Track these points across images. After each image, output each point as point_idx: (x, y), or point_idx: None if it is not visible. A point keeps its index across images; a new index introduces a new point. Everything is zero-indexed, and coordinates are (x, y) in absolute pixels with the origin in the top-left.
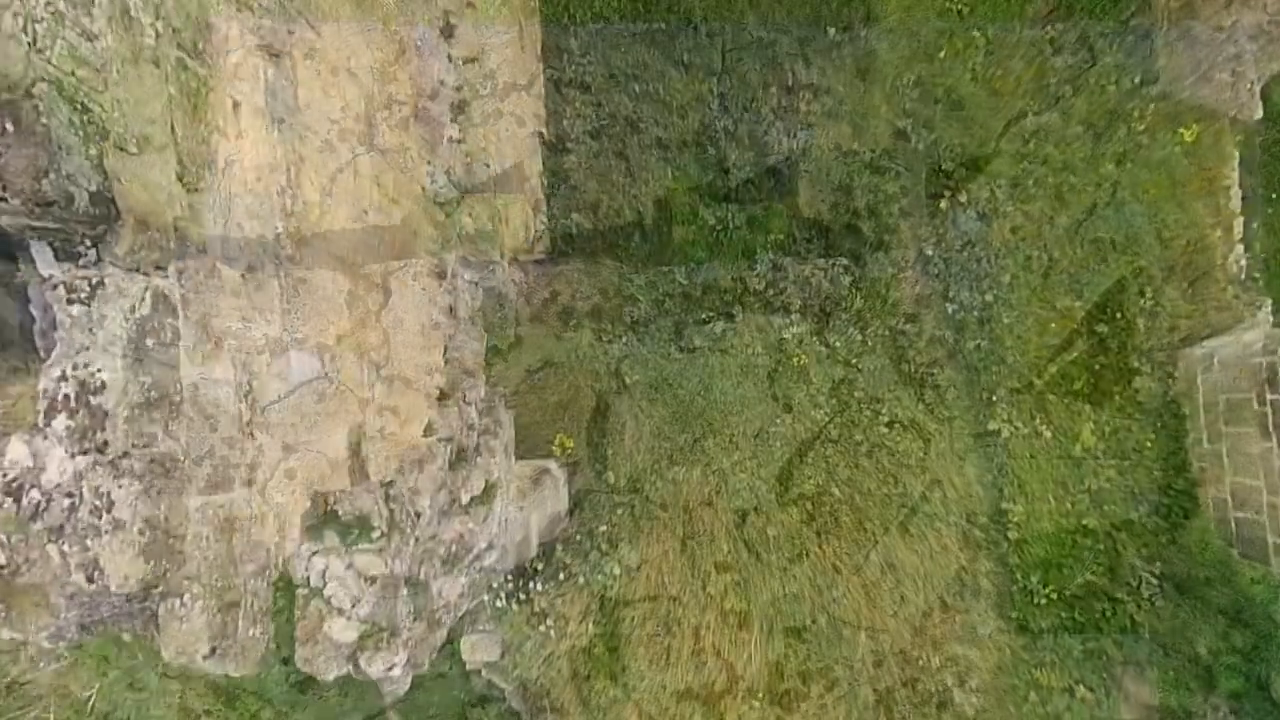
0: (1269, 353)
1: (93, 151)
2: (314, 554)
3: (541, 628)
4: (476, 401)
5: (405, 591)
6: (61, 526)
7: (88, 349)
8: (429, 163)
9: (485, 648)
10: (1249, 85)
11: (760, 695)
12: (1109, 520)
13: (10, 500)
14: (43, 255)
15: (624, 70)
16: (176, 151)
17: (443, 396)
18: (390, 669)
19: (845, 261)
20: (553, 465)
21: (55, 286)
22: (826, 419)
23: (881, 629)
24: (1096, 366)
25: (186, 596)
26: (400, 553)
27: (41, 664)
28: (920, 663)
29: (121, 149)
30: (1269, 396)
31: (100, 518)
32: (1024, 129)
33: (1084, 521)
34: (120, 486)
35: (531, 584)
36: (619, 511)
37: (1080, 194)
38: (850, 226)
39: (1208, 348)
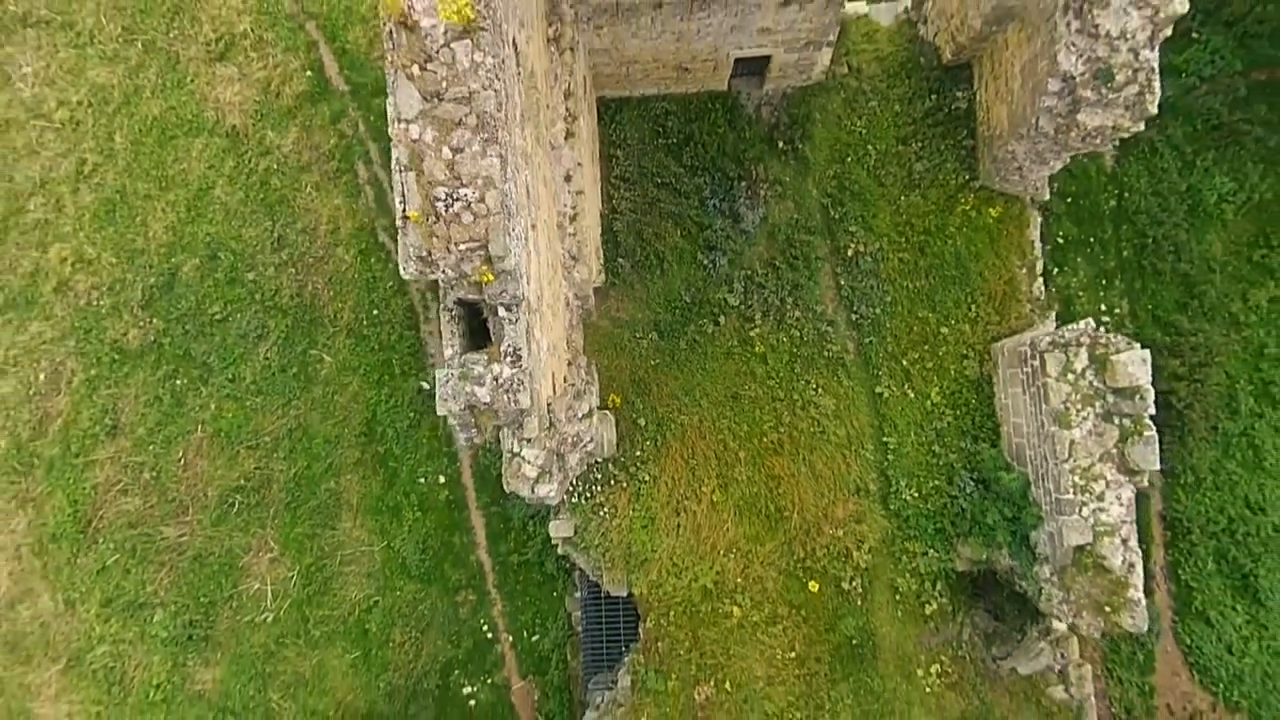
0: (1025, 344)
1: (525, 281)
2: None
3: (600, 514)
4: (583, 366)
5: (555, 456)
6: (509, 387)
7: (516, 337)
8: (563, 248)
9: (564, 528)
10: (1035, 181)
11: (734, 550)
12: (948, 447)
13: (496, 384)
14: (501, 311)
15: (650, 169)
16: (528, 274)
17: (570, 363)
18: (549, 493)
19: (789, 287)
20: (608, 413)
21: (503, 319)
22: (776, 385)
23: (808, 513)
24: (941, 353)
25: (533, 415)
26: (553, 437)
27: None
28: (831, 534)
29: (528, 283)
30: (1024, 370)
31: (520, 387)
32: (899, 206)
33: (933, 448)
34: (523, 378)
35: (594, 487)
36: (647, 444)
37: (933, 247)
38: (792, 266)
39: (1004, 343)
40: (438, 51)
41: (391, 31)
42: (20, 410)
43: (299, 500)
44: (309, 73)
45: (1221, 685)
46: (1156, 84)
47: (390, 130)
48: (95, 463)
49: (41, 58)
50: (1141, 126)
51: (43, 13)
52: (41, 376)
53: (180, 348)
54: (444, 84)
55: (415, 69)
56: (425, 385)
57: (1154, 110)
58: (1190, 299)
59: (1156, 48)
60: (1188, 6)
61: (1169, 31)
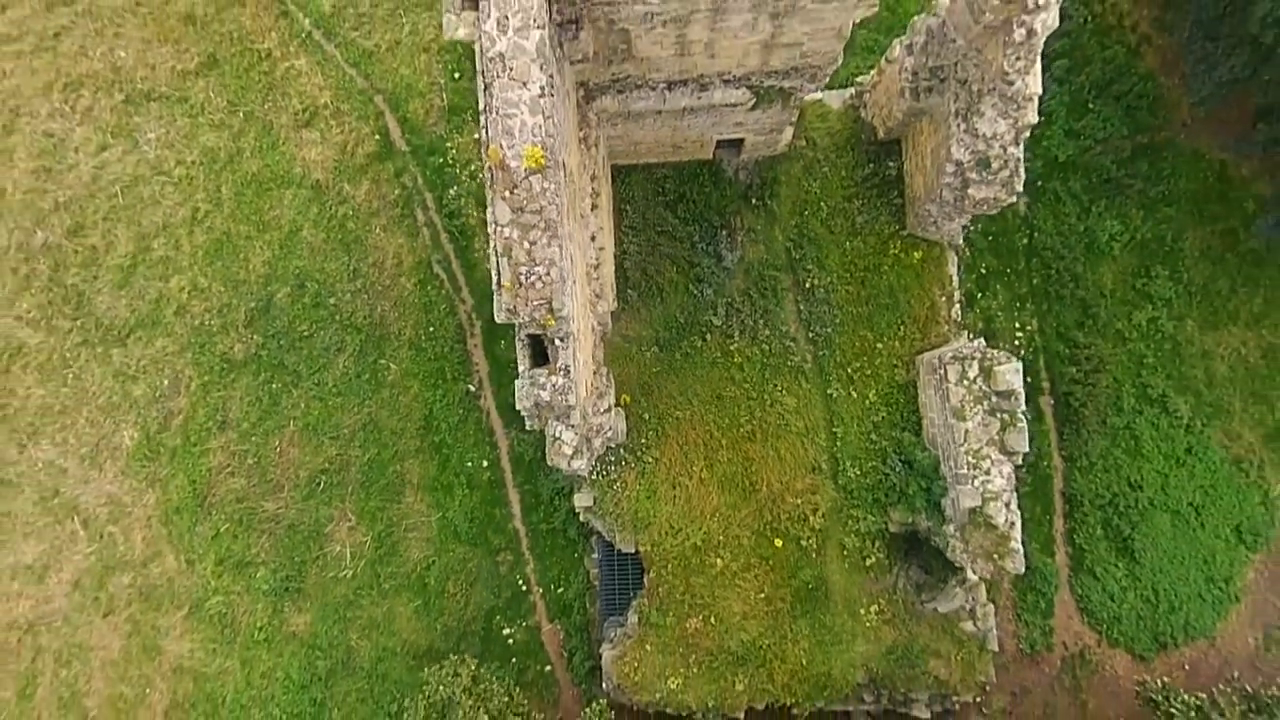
0: (936, 357)
1: (572, 321)
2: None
3: (614, 488)
4: (604, 373)
5: (584, 440)
6: (562, 391)
7: (566, 358)
8: (590, 289)
9: (585, 499)
10: (949, 231)
11: (717, 515)
12: (882, 436)
13: (554, 389)
14: (557, 342)
15: (652, 220)
16: (574, 315)
17: (595, 372)
18: (581, 466)
19: (761, 312)
20: (621, 409)
21: (558, 346)
22: (750, 388)
23: (774, 486)
24: (877, 363)
25: (576, 409)
26: (584, 425)
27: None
28: (792, 502)
29: (573, 322)
30: (935, 376)
31: (569, 391)
32: (845, 249)
33: (871, 436)
34: (571, 385)
35: (609, 467)
36: (650, 433)
37: (871, 281)
38: (762, 295)
39: (924, 355)
40: (520, 182)
41: (491, 169)
42: (149, 409)
43: (371, 480)
44: (377, 137)
45: (1105, 626)
46: (1022, 169)
47: (489, 231)
48: (209, 451)
49: (163, 125)
50: (1015, 199)
51: (163, 89)
52: (165, 382)
53: (275, 359)
54: (524, 202)
55: (506, 193)
56: (471, 388)
57: (1020, 188)
58: (1086, 319)
59: (1020, 145)
60: (1038, 118)
61: (1028, 134)
